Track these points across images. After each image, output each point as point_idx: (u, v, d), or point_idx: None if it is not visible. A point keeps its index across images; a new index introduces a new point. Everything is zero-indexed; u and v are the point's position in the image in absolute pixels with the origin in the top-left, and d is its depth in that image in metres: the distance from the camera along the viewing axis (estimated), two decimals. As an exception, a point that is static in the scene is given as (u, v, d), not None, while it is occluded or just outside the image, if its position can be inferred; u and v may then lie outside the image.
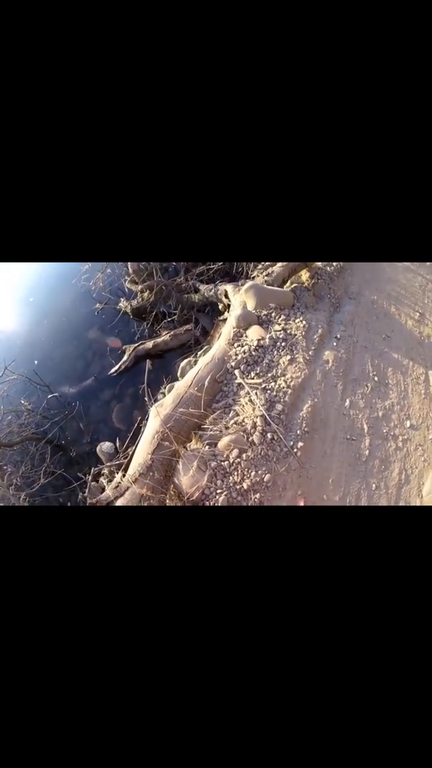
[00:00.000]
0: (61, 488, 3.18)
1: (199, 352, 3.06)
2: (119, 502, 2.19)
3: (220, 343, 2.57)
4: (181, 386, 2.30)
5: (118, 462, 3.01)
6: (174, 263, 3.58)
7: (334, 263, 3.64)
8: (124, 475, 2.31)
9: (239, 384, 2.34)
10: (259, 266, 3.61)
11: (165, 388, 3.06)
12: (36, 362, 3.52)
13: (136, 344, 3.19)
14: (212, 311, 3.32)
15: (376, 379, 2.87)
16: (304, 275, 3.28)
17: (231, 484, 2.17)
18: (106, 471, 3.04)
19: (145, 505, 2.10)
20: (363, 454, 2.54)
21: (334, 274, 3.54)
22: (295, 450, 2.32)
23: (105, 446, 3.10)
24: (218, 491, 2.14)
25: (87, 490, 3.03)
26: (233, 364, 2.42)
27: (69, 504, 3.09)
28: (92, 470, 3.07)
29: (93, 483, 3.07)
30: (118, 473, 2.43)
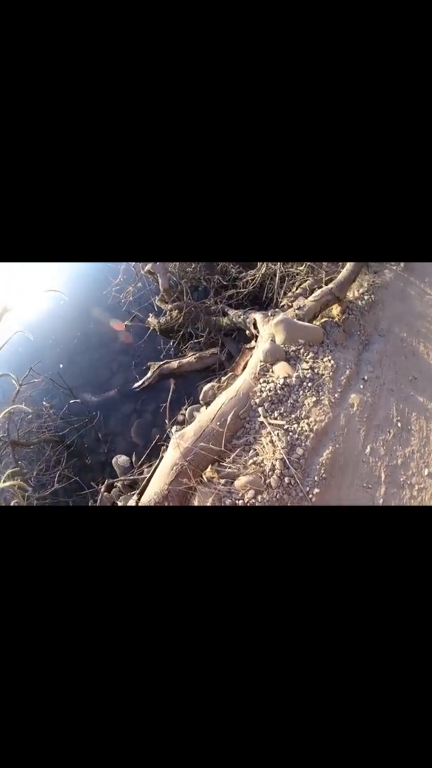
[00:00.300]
0: (73, 492, 3.25)
1: (223, 378, 3.06)
2: (132, 527, 2.23)
3: (245, 377, 2.57)
4: (203, 419, 2.31)
5: (132, 477, 3.06)
6: (204, 284, 3.59)
7: (366, 297, 3.60)
8: (138, 500, 2.35)
9: (261, 423, 2.34)
10: (289, 294, 3.59)
11: (185, 410, 3.08)
12: (61, 366, 3.59)
13: (161, 362, 3.22)
14: (239, 336, 3.32)
15: (399, 425, 2.83)
16: (335, 310, 3.24)
17: (243, 523, 2.18)
18: (119, 485, 3.09)
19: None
20: (377, 503, 2.51)
21: (365, 309, 3.49)
22: (311, 496, 2.31)
23: (121, 459, 3.15)
24: (230, 528, 2.15)
25: (99, 499, 3.09)
26: (257, 401, 2.42)
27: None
28: (106, 481, 3.13)
29: (105, 494, 3.13)
30: (133, 496, 2.46)
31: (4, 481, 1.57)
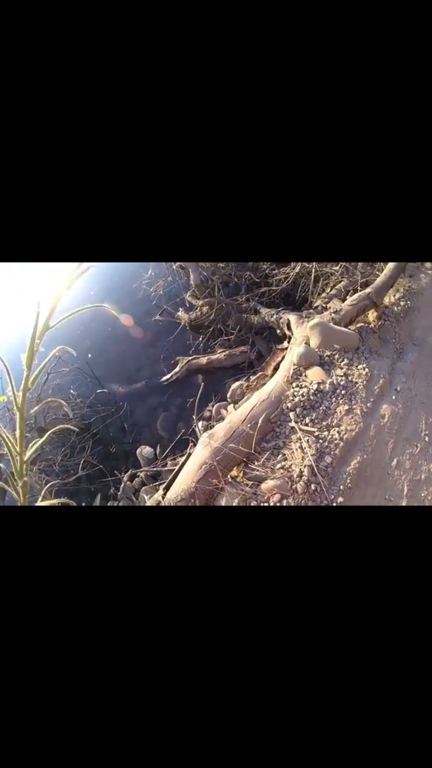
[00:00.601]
0: (96, 479, 3.32)
1: (252, 377, 3.05)
2: (157, 521, 2.27)
3: (277, 380, 2.55)
4: (234, 420, 2.32)
5: (155, 468, 3.11)
6: (235, 280, 3.55)
7: (402, 303, 3.50)
8: (164, 494, 2.38)
9: (292, 428, 2.33)
10: (323, 295, 3.52)
11: (212, 406, 3.09)
12: (90, 356, 3.64)
13: (190, 358, 3.22)
14: (270, 335, 3.28)
15: (426, 439, 2.77)
16: (371, 315, 3.16)
17: (267, 526, 2.19)
18: (142, 475, 3.15)
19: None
20: None
21: (401, 315, 3.40)
22: (335, 504, 2.31)
23: (145, 450, 3.19)
24: (253, 530, 2.17)
25: (121, 488, 3.16)
26: (289, 405, 2.41)
27: (100, 495, 3.23)
28: (129, 470, 3.19)
29: (128, 483, 3.19)
30: (159, 489, 2.50)
31: (44, 499, 1.60)
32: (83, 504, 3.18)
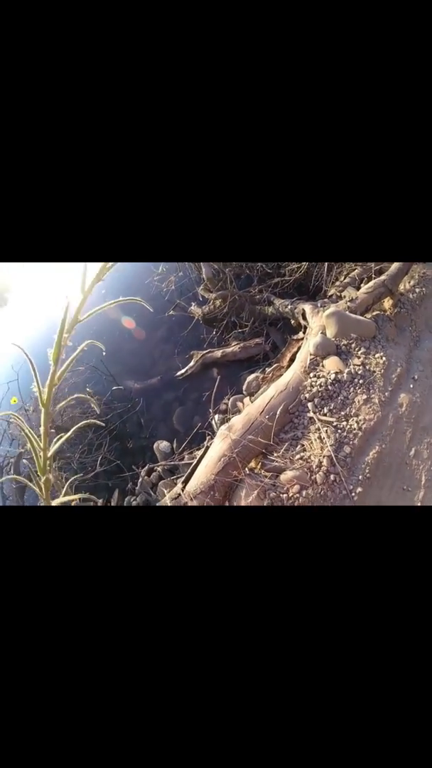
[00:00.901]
0: (113, 474, 3.36)
1: (267, 369, 3.04)
2: (177, 513, 2.30)
3: (294, 370, 2.54)
4: (252, 412, 2.32)
5: (172, 462, 3.13)
6: (247, 272, 3.53)
7: (417, 290, 3.44)
8: (183, 488, 2.40)
9: (311, 418, 2.32)
10: (337, 283, 3.47)
11: (228, 399, 3.09)
12: (104, 353, 3.66)
13: (204, 352, 3.22)
14: (284, 326, 3.26)
15: (445, 428, 2.74)
16: (387, 303, 3.11)
17: (287, 517, 2.20)
18: (159, 469, 3.18)
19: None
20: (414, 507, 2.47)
21: (417, 303, 3.34)
22: (353, 495, 2.29)
23: (162, 445, 3.22)
24: (273, 521, 2.18)
25: (139, 482, 3.20)
26: (307, 396, 2.39)
27: (117, 491, 3.27)
28: (147, 465, 3.22)
29: (145, 477, 3.23)
30: (177, 484, 2.52)
31: (65, 494, 1.63)
32: (101, 500, 3.23)
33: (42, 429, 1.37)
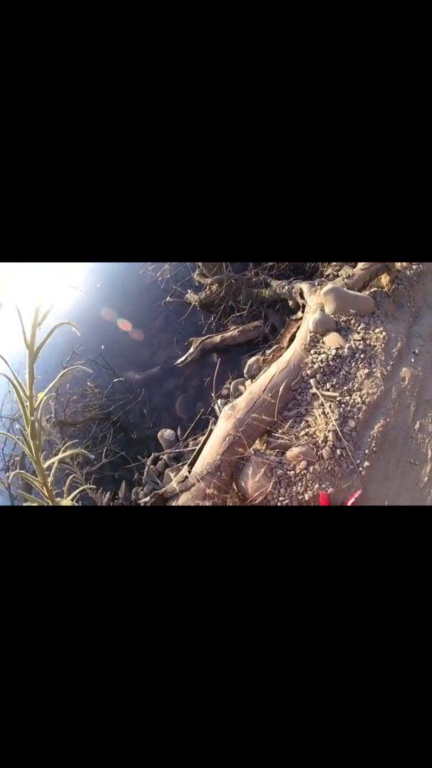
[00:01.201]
0: (119, 466, 3.36)
1: (267, 351, 3.03)
2: (184, 497, 2.30)
3: (295, 348, 2.53)
4: (255, 390, 2.31)
5: (177, 450, 3.13)
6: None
7: (414, 266, 3.42)
8: (190, 471, 2.40)
9: (314, 394, 2.31)
10: (333, 263, 3.46)
11: (230, 383, 3.08)
12: (103, 347, 3.66)
13: (203, 338, 3.22)
14: (282, 308, 3.25)
15: (449, 401, 2.73)
16: (384, 279, 3.10)
17: (294, 494, 2.19)
18: (164, 457, 3.17)
19: (209, 504, 2.18)
20: (422, 481, 2.46)
21: (414, 279, 3.33)
22: (361, 469, 2.29)
23: (166, 433, 3.21)
24: (281, 498, 2.17)
25: (145, 472, 3.19)
26: (309, 372, 2.39)
27: (124, 482, 3.27)
28: (152, 454, 3.22)
29: (151, 466, 3.23)
30: (184, 467, 2.52)
31: (64, 451, 1.64)
32: (108, 492, 3.22)
33: (27, 371, 1.38)
